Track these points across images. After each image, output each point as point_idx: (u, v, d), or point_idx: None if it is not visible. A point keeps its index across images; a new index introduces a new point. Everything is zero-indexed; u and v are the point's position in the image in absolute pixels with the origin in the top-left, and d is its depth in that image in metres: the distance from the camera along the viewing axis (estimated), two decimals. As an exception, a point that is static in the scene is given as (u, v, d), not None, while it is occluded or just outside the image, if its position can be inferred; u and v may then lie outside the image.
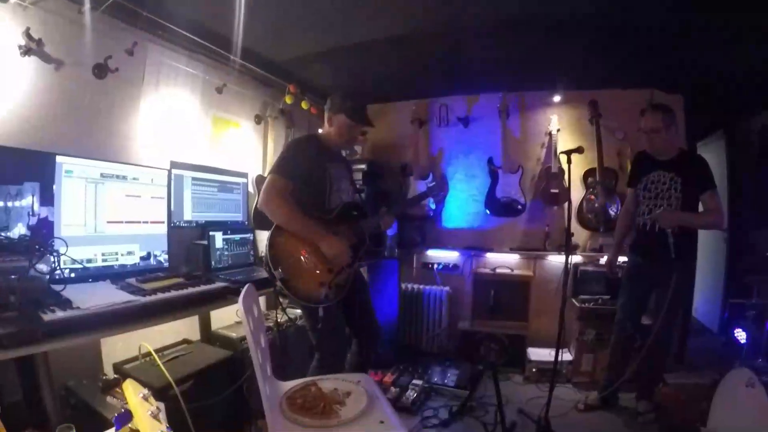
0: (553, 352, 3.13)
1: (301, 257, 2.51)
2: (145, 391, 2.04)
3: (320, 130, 2.84)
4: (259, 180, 3.93)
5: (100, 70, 2.77)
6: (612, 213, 4.32)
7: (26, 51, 2.37)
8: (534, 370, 4.15)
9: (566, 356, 4.14)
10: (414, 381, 3.86)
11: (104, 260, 2.51)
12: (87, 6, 2.57)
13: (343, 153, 3.27)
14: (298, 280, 2.47)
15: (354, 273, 2.71)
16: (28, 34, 2.36)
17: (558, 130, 4.67)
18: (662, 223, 3.10)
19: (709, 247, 5.64)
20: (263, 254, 2.49)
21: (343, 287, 2.61)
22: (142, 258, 2.76)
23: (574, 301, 4.24)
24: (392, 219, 2.95)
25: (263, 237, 4.01)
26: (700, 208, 3.14)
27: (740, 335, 3.84)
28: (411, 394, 3.64)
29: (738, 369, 2.57)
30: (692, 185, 3.12)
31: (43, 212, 2.19)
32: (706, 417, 2.74)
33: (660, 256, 3.13)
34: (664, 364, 3.46)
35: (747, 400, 2.38)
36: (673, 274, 3.09)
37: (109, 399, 2.07)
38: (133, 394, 2.00)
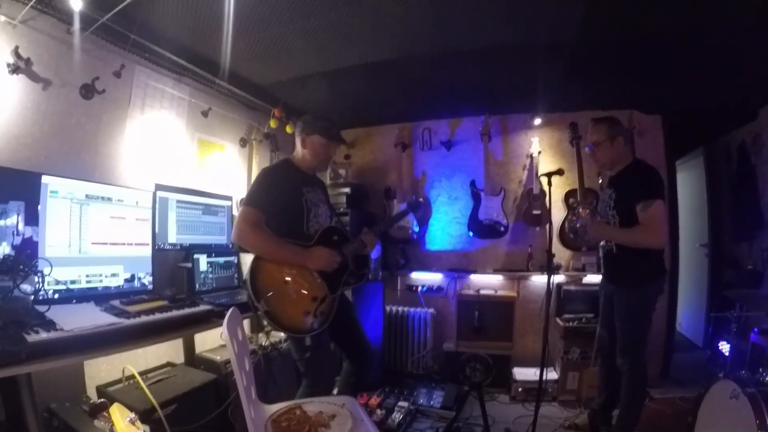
0: (538, 371, 3.13)
1: (284, 286, 2.47)
2: (132, 415, 2.04)
3: (295, 154, 2.80)
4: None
5: (88, 91, 2.79)
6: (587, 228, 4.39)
7: (14, 69, 2.38)
8: (520, 389, 4.14)
9: (552, 375, 4.16)
10: (400, 403, 3.83)
11: (88, 282, 2.48)
12: (76, 26, 2.60)
13: (322, 177, 3.24)
14: (283, 310, 2.41)
15: (338, 299, 2.65)
16: (16, 53, 2.38)
17: (539, 153, 4.75)
18: (589, 235, 3.05)
19: (691, 261, 5.78)
20: (245, 281, 2.46)
21: (329, 315, 2.56)
22: (126, 280, 2.73)
23: (558, 320, 4.28)
24: (374, 239, 2.88)
25: (247, 260, 4.01)
26: None
27: (724, 347, 3.88)
28: (397, 416, 3.61)
29: (722, 381, 2.58)
30: (625, 199, 2.87)
31: (28, 232, 2.17)
32: (693, 430, 2.75)
33: (609, 279, 3.12)
34: (640, 405, 3.09)
35: (732, 412, 2.40)
36: (618, 303, 3.01)
37: (96, 422, 2.03)
38: (121, 418, 2.00)
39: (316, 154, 2.72)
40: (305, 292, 2.50)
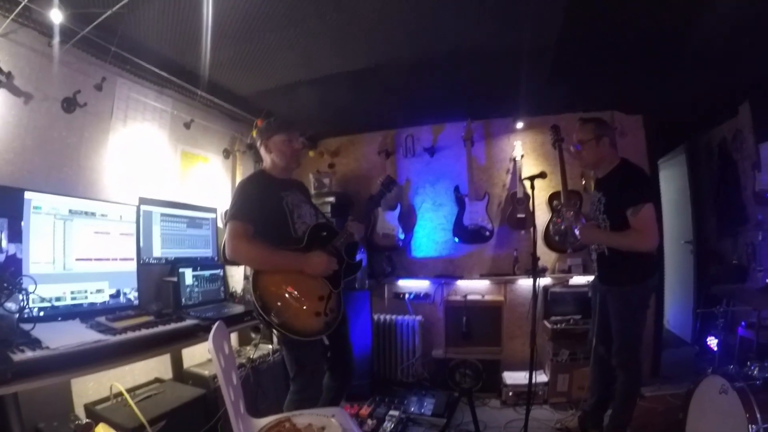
0: (528, 374, 3.13)
1: (289, 293, 2.44)
2: (119, 433, 2.00)
3: (264, 164, 2.80)
4: (228, 215, 3.91)
5: (69, 104, 2.77)
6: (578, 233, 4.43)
7: (-5, 84, 2.35)
8: (510, 393, 4.15)
9: (542, 378, 4.17)
10: (391, 412, 3.81)
11: (73, 298, 2.45)
12: (56, 39, 2.58)
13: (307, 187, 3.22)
14: (295, 318, 2.39)
15: (341, 294, 2.64)
16: (-3, 67, 2.34)
17: (522, 156, 4.78)
18: (582, 239, 3.05)
19: (677, 258, 5.86)
20: (250, 299, 2.43)
21: (338, 310, 2.56)
22: (111, 296, 2.70)
23: (545, 322, 4.30)
24: (360, 225, 2.81)
25: (234, 272, 3.99)
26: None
27: (712, 342, 3.92)
28: (388, 426, 3.59)
29: (711, 377, 2.61)
30: (615, 203, 2.87)
31: (11, 249, 2.14)
32: (684, 427, 2.78)
33: (602, 280, 3.11)
34: (634, 404, 3.07)
35: (722, 406, 2.43)
36: (613, 302, 2.99)
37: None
38: (107, 436, 1.96)
39: (283, 153, 2.70)
40: (311, 294, 2.49)
